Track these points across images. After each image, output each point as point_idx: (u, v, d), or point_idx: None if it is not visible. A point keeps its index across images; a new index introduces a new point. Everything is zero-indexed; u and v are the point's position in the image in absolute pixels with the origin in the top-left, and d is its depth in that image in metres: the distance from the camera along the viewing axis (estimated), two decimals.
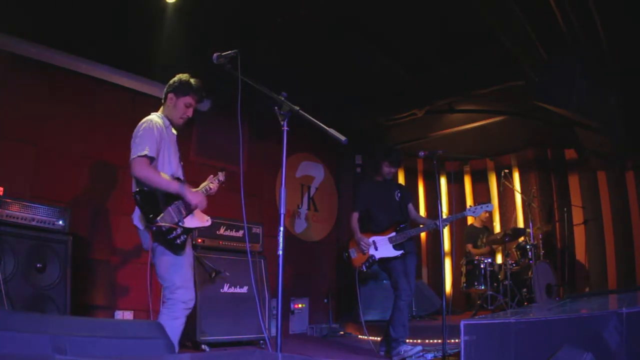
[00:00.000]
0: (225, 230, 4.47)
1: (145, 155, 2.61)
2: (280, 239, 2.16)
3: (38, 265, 3.36)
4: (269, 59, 4.77)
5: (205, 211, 2.93)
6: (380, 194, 4.35)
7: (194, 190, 2.87)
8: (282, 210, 2.19)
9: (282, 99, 2.27)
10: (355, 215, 4.26)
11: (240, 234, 4.54)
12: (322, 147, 6.67)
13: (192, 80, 2.89)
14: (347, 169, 7.00)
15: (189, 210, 2.77)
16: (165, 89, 2.92)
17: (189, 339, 4.12)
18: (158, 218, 2.59)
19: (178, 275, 2.65)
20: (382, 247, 4.11)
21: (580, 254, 6.69)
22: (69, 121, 4.34)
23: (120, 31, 4.21)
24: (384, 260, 4.11)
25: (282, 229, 2.16)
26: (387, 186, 4.39)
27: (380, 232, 4.18)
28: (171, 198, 2.71)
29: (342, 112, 5.94)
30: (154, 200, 2.65)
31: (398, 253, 4.08)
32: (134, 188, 2.71)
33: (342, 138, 2.24)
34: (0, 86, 3.94)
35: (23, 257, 3.28)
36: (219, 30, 4.39)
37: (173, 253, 2.65)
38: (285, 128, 2.25)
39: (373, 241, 4.15)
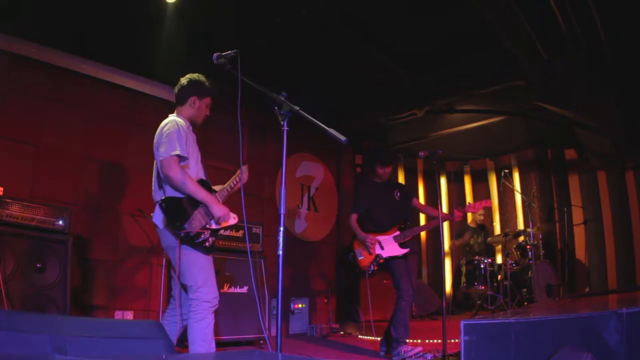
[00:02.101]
0: (225, 230, 4.46)
1: (177, 155, 2.59)
2: (280, 239, 2.15)
3: (38, 265, 3.36)
4: (269, 59, 4.77)
5: None
6: (380, 195, 4.33)
7: (219, 190, 2.93)
8: (282, 210, 2.19)
9: (282, 99, 2.27)
10: (354, 217, 4.25)
11: (240, 234, 4.54)
12: (322, 147, 6.67)
13: (206, 81, 2.91)
14: (347, 169, 7.00)
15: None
16: (180, 91, 2.91)
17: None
18: (185, 224, 2.60)
19: (200, 273, 2.66)
20: (388, 246, 4.09)
21: (580, 254, 6.69)
22: (69, 121, 4.34)
23: (120, 31, 4.21)
24: (389, 260, 4.08)
25: (282, 229, 2.16)
26: (386, 187, 4.38)
27: (382, 232, 4.16)
28: (198, 201, 2.71)
29: (342, 112, 5.94)
30: (181, 206, 2.65)
31: (404, 251, 4.04)
32: (159, 196, 2.69)
33: (342, 138, 2.24)
34: (0, 86, 3.94)
35: (23, 257, 3.28)
36: (219, 30, 4.39)
37: (202, 252, 2.66)
38: (285, 128, 2.25)
39: (378, 241, 4.12)
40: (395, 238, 4.10)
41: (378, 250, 4.08)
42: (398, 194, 4.37)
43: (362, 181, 4.85)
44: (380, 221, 4.22)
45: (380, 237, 4.13)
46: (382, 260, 4.07)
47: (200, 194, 2.66)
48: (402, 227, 4.12)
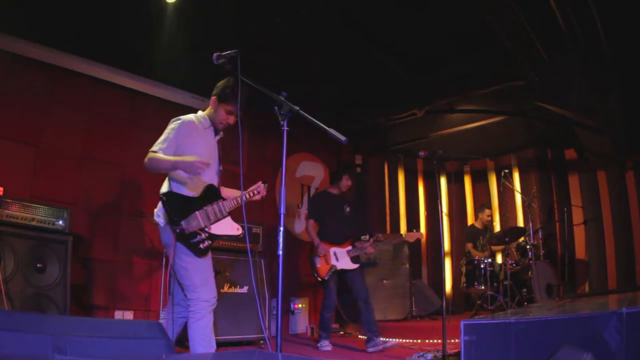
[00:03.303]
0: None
1: (155, 152, 2.65)
2: (280, 239, 2.15)
3: (38, 265, 3.36)
4: (269, 59, 4.77)
5: None
6: (333, 206, 4.72)
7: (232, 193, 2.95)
8: (282, 210, 2.19)
9: (282, 99, 2.27)
10: (311, 222, 4.66)
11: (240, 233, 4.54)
12: (322, 147, 6.67)
13: (235, 86, 2.79)
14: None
15: (219, 216, 2.77)
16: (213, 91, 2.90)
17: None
18: (182, 221, 2.61)
19: (198, 275, 2.66)
20: (342, 259, 4.55)
21: (580, 254, 6.68)
22: (69, 121, 4.34)
23: (120, 31, 4.21)
24: (341, 271, 4.54)
25: (282, 229, 2.16)
26: (338, 200, 4.78)
27: (337, 244, 4.58)
28: (201, 203, 2.72)
29: (342, 112, 5.93)
30: (182, 203, 2.66)
31: (355, 266, 4.56)
32: (163, 189, 2.73)
33: (342, 138, 2.24)
34: (0, 86, 3.94)
35: (23, 257, 3.28)
36: (219, 30, 4.39)
37: (195, 255, 2.65)
38: (285, 128, 2.25)
39: (334, 252, 4.54)
40: (348, 252, 4.57)
41: (333, 262, 4.51)
42: (348, 209, 4.81)
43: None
44: (334, 232, 4.62)
45: (336, 249, 4.56)
46: (336, 270, 4.51)
47: (170, 160, 2.62)
48: (354, 244, 4.62)
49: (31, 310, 3.21)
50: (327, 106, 5.41)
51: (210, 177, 2.83)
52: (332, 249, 4.55)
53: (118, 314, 4.34)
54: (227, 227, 2.82)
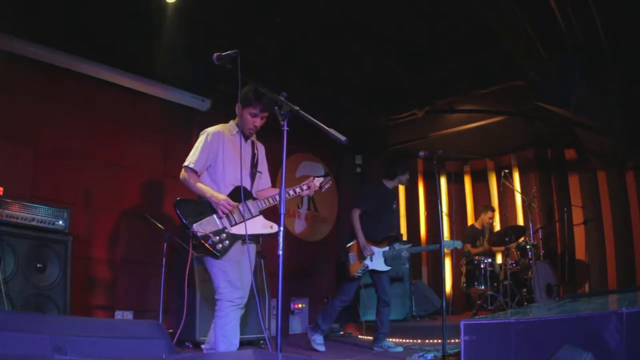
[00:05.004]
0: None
1: (187, 167, 2.80)
2: (280, 239, 2.16)
3: (38, 265, 3.36)
4: (269, 59, 4.77)
5: None
6: (385, 201, 4.52)
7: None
8: (282, 210, 2.20)
9: (282, 99, 2.27)
10: (357, 212, 4.38)
11: None
12: (322, 147, 6.66)
13: (257, 89, 2.80)
14: (347, 169, 7.00)
15: (246, 216, 2.80)
16: None
17: (189, 339, 4.12)
18: (194, 225, 2.65)
19: (222, 277, 2.73)
20: (376, 260, 4.32)
21: (580, 254, 6.68)
22: (69, 121, 4.34)
23: (120, 31, 4.21)
24: (372, 271, 4.36)
25: (282, 229, 2.16)
26: (391, 196, 4.57)
27: (375, 242, 4.36)
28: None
29: (342, 112, 5.93)
30: (195, 207, 2.73)
31: (387, 268, 4.34)
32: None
33: (342, 138, 2.24)
34: (0, 86, 3.94)
35: (23, 257, 3.28)
36: (219, 30, 4.39)
37: (211, 257, 2.71)
38: (285, 128, 2.25)
39: (372, 252, 4.33)
40: (384, 253, 4.33)
41: (367, 261, 4.30)
42: (395, 206, 4.63)
43: (372, 179, 4.97)
44: (376, 229, 4.39)
45: (374, 248, 4.34)
46: (367, 270, 4.32)
47: (203, 192, 2.76)
48: (392, 244, 4.37)
49: (31, 310, 3.21)
50: (327, 106, 5.40)
51: (234, 178, 2.87)
52: (372, 249, 4.35)
53: (118, 314, 4.34)
54: (259, 226, 2.89)
